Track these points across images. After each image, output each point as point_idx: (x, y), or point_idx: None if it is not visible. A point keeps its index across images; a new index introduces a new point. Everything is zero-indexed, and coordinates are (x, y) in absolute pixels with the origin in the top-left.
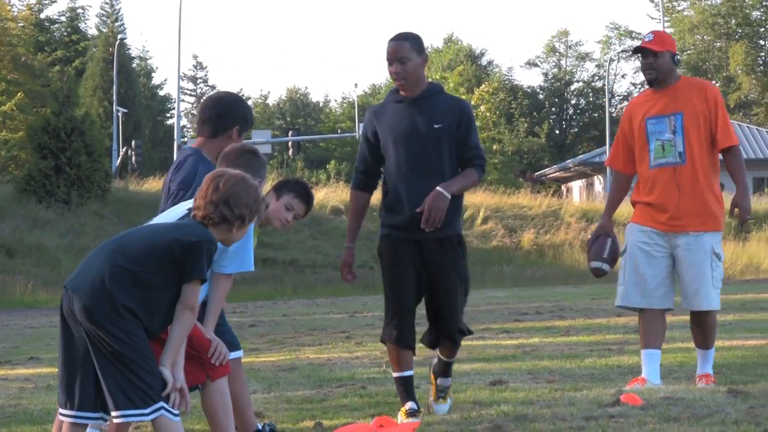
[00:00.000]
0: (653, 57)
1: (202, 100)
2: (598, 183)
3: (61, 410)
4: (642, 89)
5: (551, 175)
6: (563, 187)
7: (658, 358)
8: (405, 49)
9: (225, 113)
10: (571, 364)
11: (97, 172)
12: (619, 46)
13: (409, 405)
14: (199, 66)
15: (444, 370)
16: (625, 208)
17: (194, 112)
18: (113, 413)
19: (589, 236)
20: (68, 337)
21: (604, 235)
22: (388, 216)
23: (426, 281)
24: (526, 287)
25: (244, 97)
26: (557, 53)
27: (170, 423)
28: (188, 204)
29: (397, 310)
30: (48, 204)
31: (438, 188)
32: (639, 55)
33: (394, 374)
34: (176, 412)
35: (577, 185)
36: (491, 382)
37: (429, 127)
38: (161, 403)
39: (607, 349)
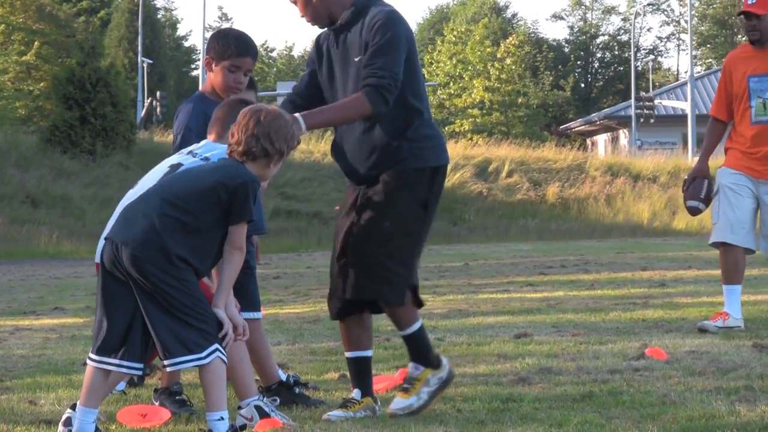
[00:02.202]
0: (756, 19)
1: None
2: (623, 137)
3: (97, 357)
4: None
5: (576, 129)
6: (588, 141)
7: (739, 293)
8: None
9: (207, 46)
10: (595, 318)
11: (122, 123)
12: None
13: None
14: (224, 17)
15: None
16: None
17: None
18: (166, 362)
19: (685, 178)
20: (109, 288)
21: (701, 176)
22: None
23: None
24: (550, 241)
25: (267, 48)
26: (583, 6)
27: (222, 365)
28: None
29: None
30: (73, 155)
31: (296, 114)
32: (742, 16)
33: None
34: (226, 354)
35: (602, 139)
36: (516, 335)
37: (347, 61)
38: (216, 345)
39: (631, 303)
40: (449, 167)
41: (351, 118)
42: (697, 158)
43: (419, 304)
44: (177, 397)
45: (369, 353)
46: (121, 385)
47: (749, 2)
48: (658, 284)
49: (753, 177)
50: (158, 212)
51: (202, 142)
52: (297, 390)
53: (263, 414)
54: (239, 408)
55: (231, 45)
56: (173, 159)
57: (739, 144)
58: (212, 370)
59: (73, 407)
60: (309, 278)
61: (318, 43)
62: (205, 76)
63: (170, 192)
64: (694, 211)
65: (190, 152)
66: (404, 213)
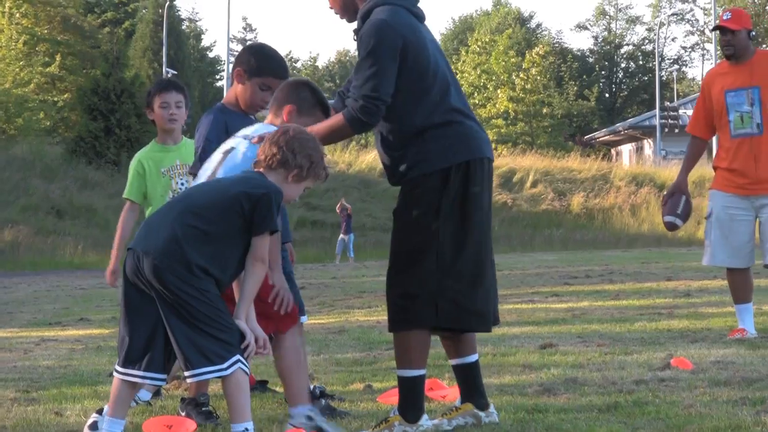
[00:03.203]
0: (731, 35)
1: None
2: (648, 147)
3: (122, 369)
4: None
5: (601, 139)
6: (613, 151)
7: (751, 309)
8: None
9: (236, 58)
10: (620, 328)
11: (146, 134)
12: (669, 9)
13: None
14: (248, 28)
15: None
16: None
17: None
18: (187, 373)
19: (664, 193)
20: (132, 298)
21: (679, 192)
22: None
23: None
24: (575, 251)
25: (291, 59)
26: (607, 16)
27: (243, 378)
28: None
29: None
30: (97, 165)
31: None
32: (718, 31)
33: None
34: (248, 365)
35: (626, 149)
36: (541, 345)
37: None
38: (237, 356)
39: (657, 313)
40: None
41: (335, 141)
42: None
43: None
44: (203, 409)
45: (468, 360)
46: (146, 396)
47: (724, 18)
48: (683, 294)
49: (744, 195)
50: (180, 222)
51: (257, 124)
52: (323, 401)
53: (312, 423)
54: (290, 416)
55: (269, 65)
56: (227, 144)
57: (724, 161)
58: (234, 382)
59: (100, 411)
60: (334, 289)
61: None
62: (229, 87)
63: (193, 202)
64: (670, 227)
65: (244, 136)
66: (406, 228)
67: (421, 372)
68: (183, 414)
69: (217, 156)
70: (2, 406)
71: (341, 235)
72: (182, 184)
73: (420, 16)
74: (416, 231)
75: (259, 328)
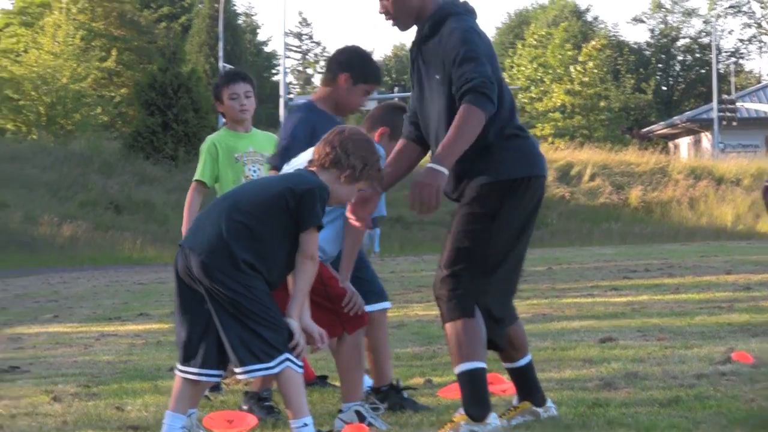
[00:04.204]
0: None
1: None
2: (706, 140)
3: (181, 367)
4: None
5: (658, 132)
6: (671, 144)
7: None
8: None
9: (333, 60)
10: (681, 322)
11: (203, 129)
12: (726, 1)
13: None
14: (304, 22)
15: None
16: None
17: (299, 68)
18: (237, 369)
19: (765, 185)
20: (185, 296)
21: None
22: None
23: None
24: (633, 244)
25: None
26: (663, 9)
27: (294, 375)
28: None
29: None
30: (155, 160)
31: (429, 165)
32: None
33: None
34: (300, 363)
35: (684, 142)
36: (601, 339)
37: (430, 78)
38: (286, 355)
39: (717, 306)
40: None
41: (474, 134)
42: None
43: (493, 345)
44: (265, 403)
45: (520, 363)
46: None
47: None
48: (743, 288)
49: None
50: (226, 218)
51: None
52: (405, 394)
53: (362, 419)
54: (340, 411)
55: (376, 73)
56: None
57: None
58: (286, 379)
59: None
60: (392, 283)
61: (411, 55)
62: (287, 81)
63: (241, 200)
64: None
65: None
66: (463, 229)
67: (480, 364)
68: (245, 408)
69: (307, 155)
70: (63, 401)
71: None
72: (254, 171)
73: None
74: (473, 234)
75: (312, 324)
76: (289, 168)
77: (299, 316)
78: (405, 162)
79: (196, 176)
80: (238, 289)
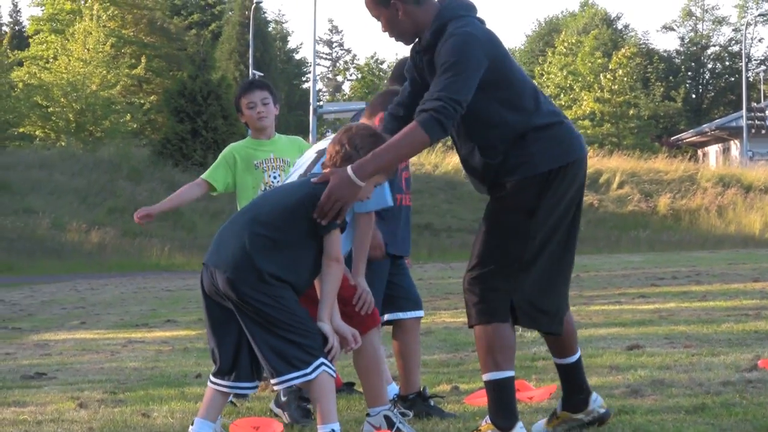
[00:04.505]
0: None
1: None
2: (735, 148)
3: (214, 380)
4: None
5: (687, 140)
6: (699, 152)
7: None
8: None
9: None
10: (707, 329)
11: (233, 136)
12: (756, 9)
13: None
14: (334, 30)
15: None
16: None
17: (329, 75)
18: (273, 381)
19: None
20: (213, 312)
21: None
22: None
23: None
24: (661, 252)
25: (377, 60)
26: (693, 17)
27: (328, 380)
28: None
29: None
30: (184, 167)
31: (350, 172)
32: None
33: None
34: (334, 368)
35: (713, 150)
36: (628, 346)
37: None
38: (321, 359)
39: (744, 314)
40: None
41: (408, 154)
42: None
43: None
44: (303, 404)
45: (568, 360)
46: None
47: None
48: None
49: None
50: (248, 232)
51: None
52: (432, 402)
53: (391, 425)
54: (368, 415)
55: None
56: (320, 144)
57: None
58: (319, 385)
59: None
60: (420, 290)
61: (412, 53)
62: (317, 89)
63: (261, 211)
64: None
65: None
66: (499, 229)
67: (509, 374)
68: (284, 399)
69: (310, 153)
70: (90, 407)
71: None
72: (275, 177)
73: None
74: (509, 233)
75: (344, 325)
76: (295, 169)
77: (330, 319)
78: None
79: (204, 175)
80: (267, 301)
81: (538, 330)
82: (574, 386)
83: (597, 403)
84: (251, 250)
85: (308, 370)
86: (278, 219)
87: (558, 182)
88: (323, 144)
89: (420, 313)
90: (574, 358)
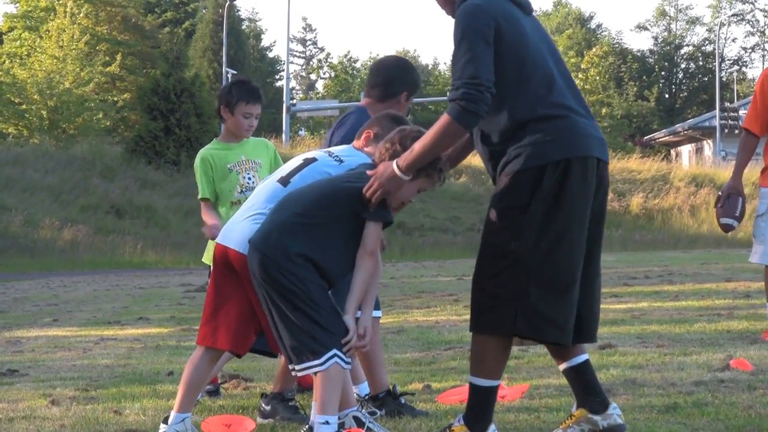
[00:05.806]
0: None
1: (371, 64)
2: (708, 148)
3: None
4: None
5: (660, 140)
6: (672, 152)
7: None
8: None
9: (395, 79)
10: (680, 329)
11: (206, 134)
12: (730, 10)
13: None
14: (308, 28)
15: None
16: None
17: (303, 74)
18: (295, 366)
19: (719, 194)
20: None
21: (735, 194)
22: None
23: None
24: (634, 252)
25: (351, 59)
26: (667, 17)
27: (338, 371)
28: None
29: None
30: (157, 165)
31: (395, 167)
32: None
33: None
34: (348, 359)
35: (686, 150)
36: (600, 346)
37: None
38: (334, 351)
39: (716, 314)
40: None
41: (447, 145)
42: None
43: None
44: (290, 403)
45: (576, 361)
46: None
47: None
48: (742, 295)
49: None
50: (289, 216)
51: (343, 146)
52: (403, 400)
53: (360, 425)
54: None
55: (420, 84)
56: (309, 153)
57: None
58: (328, 376)
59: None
60: (393, 289)
61: None
62: (290, 87)
63: (298, 198)
64: (727, 228)
65: (328, 152)
66: (493, 227)
67: (496, 383)
68: (267, 409)
69: (296, 161)
70: (62, 404)
71: None
72: (249, 178)
73: (523, 6)
74: (502, 231)
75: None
76: (277, 171)
77: (355, 313)
78: (458, 146)
79: (201, 195)
80: (292, 281)
81: (543, 342)
82: (587, 388)
83: (616, 411)
84: (282, 231)
85: (321, 360)
86: (315, 208)
87: (556, 180)
88: (312, 154)
89: (378, 313)
90: (582, 358)
